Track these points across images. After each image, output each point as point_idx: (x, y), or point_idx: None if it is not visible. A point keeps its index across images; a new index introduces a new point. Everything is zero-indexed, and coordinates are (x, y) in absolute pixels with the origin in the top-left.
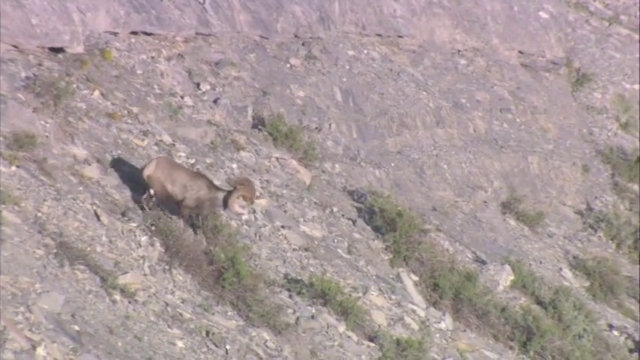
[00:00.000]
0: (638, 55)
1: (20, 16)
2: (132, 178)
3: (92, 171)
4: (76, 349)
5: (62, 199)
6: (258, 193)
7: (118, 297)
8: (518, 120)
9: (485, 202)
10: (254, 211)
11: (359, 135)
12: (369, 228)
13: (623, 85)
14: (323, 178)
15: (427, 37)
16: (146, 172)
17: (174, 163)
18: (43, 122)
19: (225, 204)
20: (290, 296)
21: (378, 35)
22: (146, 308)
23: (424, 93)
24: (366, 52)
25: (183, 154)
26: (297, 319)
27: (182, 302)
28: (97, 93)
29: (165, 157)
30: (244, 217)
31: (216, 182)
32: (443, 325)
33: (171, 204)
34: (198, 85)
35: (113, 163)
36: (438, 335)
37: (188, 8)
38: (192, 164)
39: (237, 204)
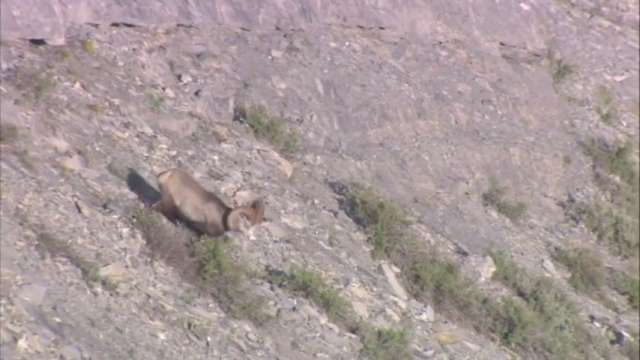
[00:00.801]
0: (619, 47)
1: (1, 8)
2: (113, 170)
3: (73, 163)
4: (58, 341)
5: (43, 191)
6: (264, 216)
7: (99, 289)
8: (499, 112)
9: (466, 193)
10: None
11: (340, 127)
12: (350, 220)
13: (605, 76)
14: (304, 170)
15: (408, 29)
16: (159, 180)
17: (188, 179)
18: (24, 114)
19: (225, 221)
20: (271, 288)
21: (360, 27)
22: (128, 300)
23: (405, 85)
24: (347, 43)
25: (164, 146)
26: (279, 310)
27: (164, 294)
28: (78, 85)
29: (179, 171)
30: (251, 238)
31: (226, 203)
32: (424, 317)
33: (174, 217)
34: (179, 76)
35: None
36: (419, 327)
37: (169, 0)
38: (173, 156)
39: (240, 222)
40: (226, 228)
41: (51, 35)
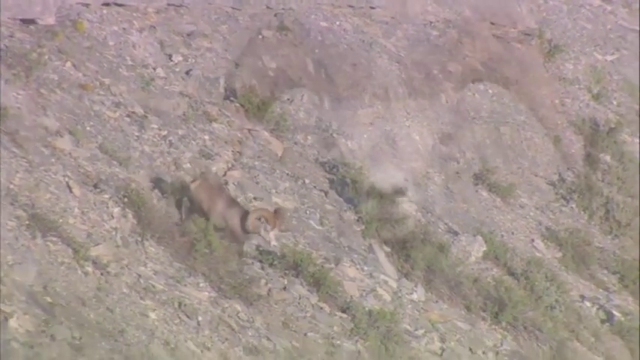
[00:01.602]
0: (609, 27)
1: None
2: (104, 150)
3: (64, 142)
4: (48, 321)
5: (34, 170)
6: (282, 225)
7: (90, 269)
8: (490, 91)
9: (457, 173)
10: (228, 185)
11: (331, 106)
12: (341, 199)
13: (595, 56)
14: (295, 150)
15: (399, 9)
16: (192, 185)
17: (218, 186)
18: (14, 94)
19: (243, 224)
20: (262, 267)
21: (351, 6)
22: (118, 280)
23: (396, 64)
24: (338, 23)
25: (155, 126)
26: (269, 290)
27: (154, 274)
28: (68, 64)
29: (209, 179)
30: (272, 243)
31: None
32: (415, 297)
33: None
34: (170, 56)
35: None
36: (410, 306)
37: None
38: (164, 136)
39: (260, 226)
40: (245, 231)
41: (41, 15)
